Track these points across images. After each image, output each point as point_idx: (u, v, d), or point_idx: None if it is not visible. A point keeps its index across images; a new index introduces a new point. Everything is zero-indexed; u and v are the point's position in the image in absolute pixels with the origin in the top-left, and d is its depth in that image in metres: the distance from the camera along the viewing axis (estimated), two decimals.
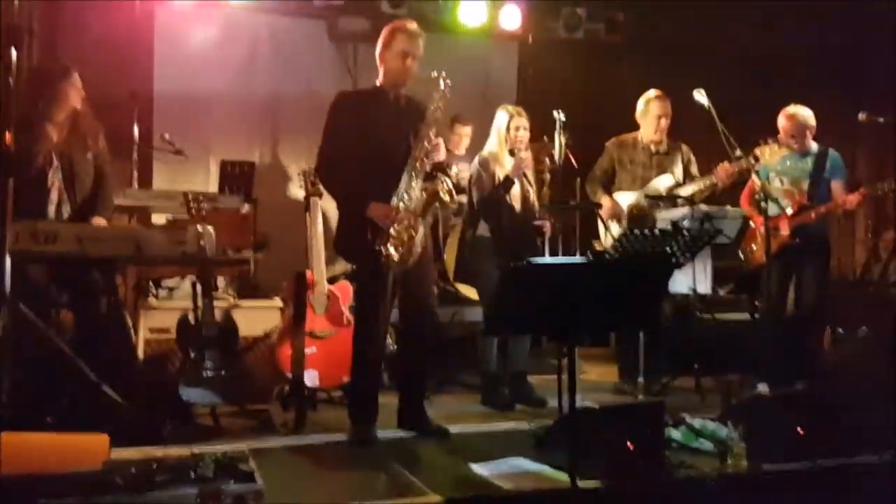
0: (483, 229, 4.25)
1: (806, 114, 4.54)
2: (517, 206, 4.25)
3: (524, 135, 4.25)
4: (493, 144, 4.28)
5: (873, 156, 6.54)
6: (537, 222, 4.29)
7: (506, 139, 4.23)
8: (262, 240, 4.80)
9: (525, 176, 4.30)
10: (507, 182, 4.16)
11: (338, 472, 3.14)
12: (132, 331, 3.78)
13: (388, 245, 3.36)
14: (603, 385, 4.64)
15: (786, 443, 3.12)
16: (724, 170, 4.32)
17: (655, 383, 4.43)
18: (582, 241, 4.79)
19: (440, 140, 3.53)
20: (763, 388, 4.14)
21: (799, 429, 3.18)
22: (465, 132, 5.58)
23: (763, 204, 4.25)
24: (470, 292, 4.80)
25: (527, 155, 4.22)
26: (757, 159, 4.26)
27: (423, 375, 3.69)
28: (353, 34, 6.06)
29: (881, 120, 4.67)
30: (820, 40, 6.47)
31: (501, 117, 4.27)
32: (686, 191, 4.47)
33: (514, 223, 4.23)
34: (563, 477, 2.71)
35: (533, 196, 4.35)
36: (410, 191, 3.42)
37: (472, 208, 4.32)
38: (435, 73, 3.47)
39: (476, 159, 4.34)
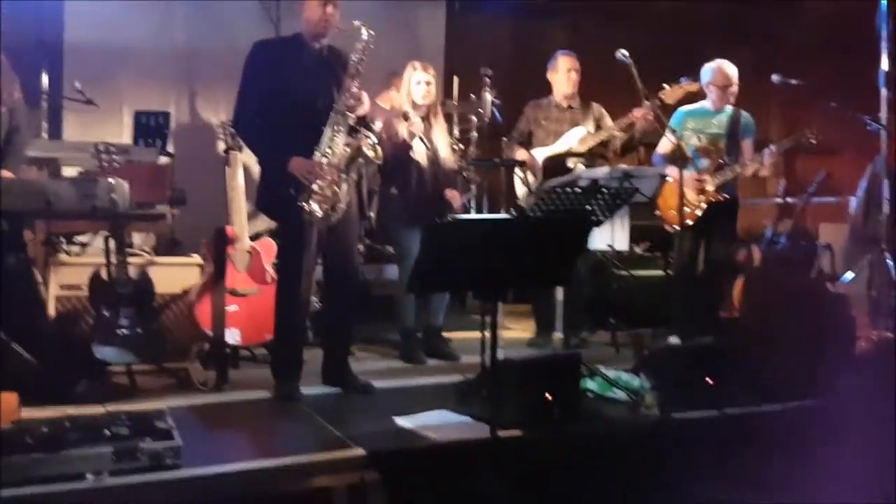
0: (394, 188, 4.25)
1: (732, 70, 4.63)
2: (424, 164, 4.24)
3: (426, 90, 4.22)
4: (405, 102, 4.26)
5: (784, 119, 6.79)
6: (447, 191, 4.29)
7: (408, 94, 4.21)
8: (179, 195, 4.65)
9: (431, 139, 4.27)
10: (404, 146, 4.15)
11: (260, 428, 3.13)
12: (42, 287, 3.64)
13: (312, 201, 3.31)
14: (523, 341, 4.73)
15: (695, 392, 3.28)
16: (639, 112, 4.40)
17: (573, 337, 4.56)
18: (506, 198, 4.85)
19: (364, 93, 3.47)
20: (674, 340, 4.30)
21: (708, 379, 3.34)
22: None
23: (681, 163, 4.35)
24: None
25: (417, 122, 4.19)
26: (662, 101, 4.38)
27: (347, 332, 3.69)
28: None
29: (794, 82, 4.83)
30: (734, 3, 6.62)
31: (406, 72, 4.25)
32: (601, 136, 4.58)
33: (421, 184, 4.23)
34: (484, 428, 2.78)
35: (445, 155, 4.34)
36: (333, 145, 3.37)
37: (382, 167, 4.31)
38: (357, 23, 3.39)
39: (383, 119, 4.32)
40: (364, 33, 3.38)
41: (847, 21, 5.85)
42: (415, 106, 4.22)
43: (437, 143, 4.31)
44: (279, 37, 3.45)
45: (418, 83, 4.20)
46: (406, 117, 4.18)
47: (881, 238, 4.89)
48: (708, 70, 4.65)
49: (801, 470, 3.06)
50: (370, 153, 3.45)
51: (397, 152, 4.17)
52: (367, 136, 3.45)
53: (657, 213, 4.63)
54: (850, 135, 5.35)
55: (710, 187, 4.53)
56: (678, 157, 4.31)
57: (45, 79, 4.86)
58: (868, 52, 4.96)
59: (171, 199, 4.42)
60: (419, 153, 4.22)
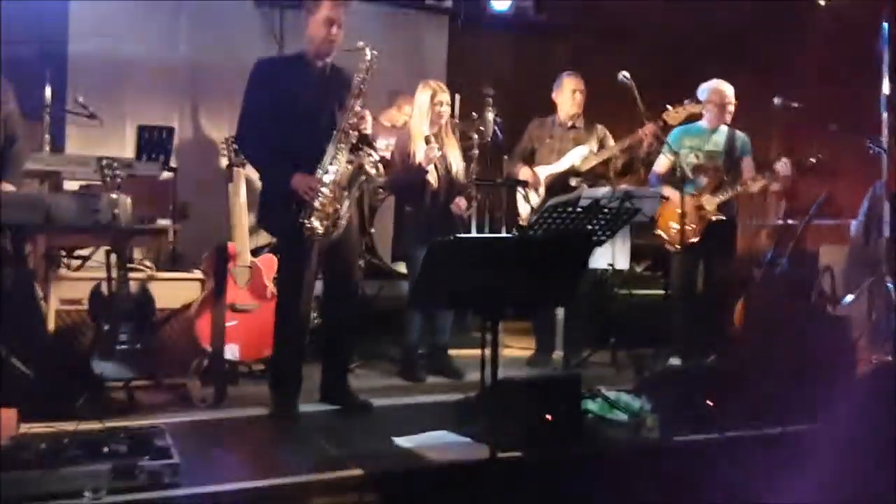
0: (409, 206, 4.27)
1: (729, 89, 4.68)
2: (438, 183, 4.26)
3: (446, 110, 4.27)
4: (414, 121, 4.28)
5: (784, 142, 6.80)
6: (456, 200, 4.30)
7: (427, 115, 4.23)
8: (181, 210, 4.66)
9: (444, 157, 4.30)
10: (420, 171, 4.17)
11: (258, 447, 3.11)
12: (42, 302, 3.63)
13: (313, 218, 3.31)
14: (523, 359, 4.72)
15: (695, 414, 3.27)
16: (648, 129, 4.40)
17: (574, 357, 4.55)
18: (507, 217, 4.85)
19: (367, 112, 3.49)
20: (675, 362, 4.30)
21: (708, 401, 3.33)
22: (404, 110, 5.58)
23: (680, 182, 4.36)
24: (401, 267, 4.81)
25: (435, 149, 4.22)
26: (665, 122, 4.41)
27: (346, 349, 3.69)
28: None
29: (795, 105, 4.85)
30: (735, 23, 6.65)
31: (423, 93, 4.26)
32: (603, 155, 4.60)
33: (436, 202, 4.26)
34: (484, 449, 2.76)
35: (456, 172, 4.36)
36: (336, 163, 3.38)
37: (395, 187, 4.33)
38: (361, 43, 3.41)
39: (397, 138, 4.34)
40: (368, 53, 3.40)
41: (848, 44, 5.88)
42: (433, 125, 4.24)
43: (451, 160, 4.33)
44: (282, 55, 3.45)
45: (440, 104, 4.23)
46: (428, 141, 4.20)
47: (881, 261, 4.88)
48: (705, 89, 4.69)
49: (799, 492, 3.05)
50: (372, 170, 3.46)
51: (412, 173, 4.19)
52: (370, 154, 3.46)
53: (657, 232, 4.63)
54: (852, 158, 5.37)
55: (709, 206, 4.54)
56: (676, 176, 4.32)
57: (48, 92, 4.86)
58: (869, 75, 4.99)
59: (174, 215, 4.43)
60: (433, 172, 4.25)
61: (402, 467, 2.79)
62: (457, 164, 4.37)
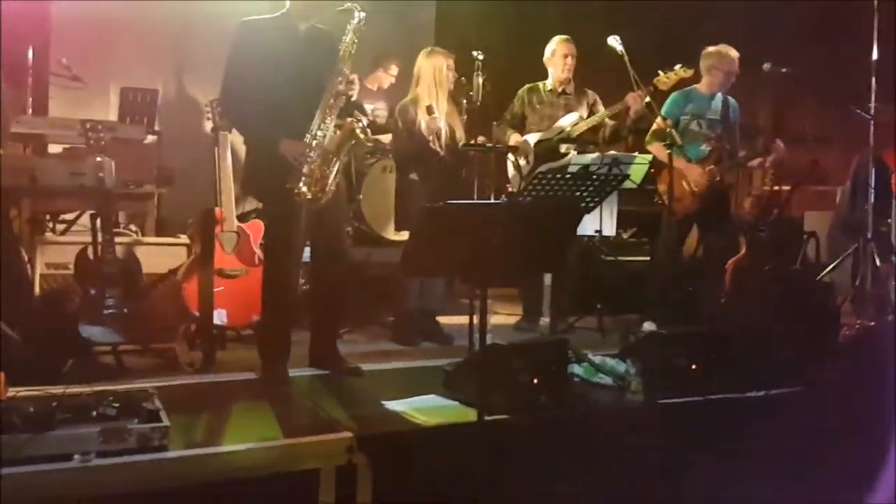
0: (413, 174, 4.24)
1: (736, 55, 4.63)
2: (442, 150, 4.24)
3: (452, 78, 4.25)
4: (421, 89, 4.23)
5: (774, 108, 6.80)
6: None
7: (435, 83, 4.19)
8: (166, 174, 4.62)
9: (448, 125, 4.27)
10: (424, 140, 4.14)
11: (248, 410, 3.12)
12: (28, 265, 3.61)
13: (301, 184, 3.29)
14: (510, 325, 4.75)
15: (679, 378, 3.31)
16: (632, 96, 4.39)
17: (561, 322, 4.58)
18: (496, 183, 4.84)
19: (355, 76, 3.45)
20: (649, 326, 4.33)
21: (693, 365, 3.37)
22: (392, 72, 5.52)
23: (671, 149, 4.36)
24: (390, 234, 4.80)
25: (438, 119, 4.18)
26: (656, 88, 4.40)
27: (334, 314, 3.69)
28: None
29: (785, 70, 4.83)
30: None
31: (431, 60, 4.22)
32: (593, 121, 4.58)
33: (442, 169, 4.23)
34: (471, 412, 2.79)
35: (460, 139, 4.34)
36: (324, 128, 3.34)
37: (398, 154, 4.30)
38: (349, 3, 3.35)
39: (399, 107, 4.29)
40: (356, 16, 3.35)
41: (837, 11, 5.86)
42: (439, 93, 4.20)
43: (454, 125, 4.30)
44: (266, 17, 3.38)
45: (449, 69, 4.19)
46: (431, 111, 4.16)
47: (866, 227, 4.93)
48: (714, 54, 4.62)
49: (783, 456, 3.10)
50: (360, 136, 3.43)
51: (416, 142, 4.16)
52: (358, 119, 3.42)
53: (658, 187, 4.63)
54: (840, 124, 5.38)
55: (712, 177, 4.54)
56: (670, 144, 4.31)
57: (30, 54, 4.77)
58: (858, 42, 4.98)
59: (159, 179, 4.39)
60: (437, 141, 4.22)
61: (391, 429, 2.82)
62: (459, 130, 4.35)
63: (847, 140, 5.46)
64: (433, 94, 4.20)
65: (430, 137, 4.18)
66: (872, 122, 4.82)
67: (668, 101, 4.62)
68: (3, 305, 3.13)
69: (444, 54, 4.24)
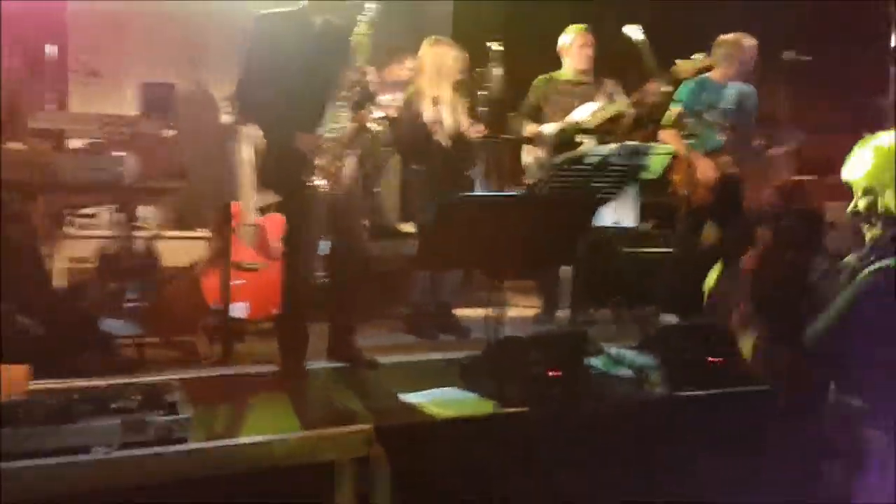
0: (417, 165, 4.23)
1: (752, 42, 4.55)
2: (447, 142, 4.22)
3: (458, 69, 4.21)
4: (424, 80, 4.21)
5: (795, 97, 6.71)
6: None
7: (438, 74, 4.17)
8: (183, 168, 4.63)
9: (453, 113, 4.26)
10: (426, 131, 4.13)
11: (267, 403, 3.14)
12: (47, 259, 3.64)
13: (316, 177, 3.29)
14: (528, 316, 4.73)
15: (696, 371, 3.29)
16: (652, 85, 4.35)
17: (580, 314, 4.56)
18: (513, 174, 4.82)
19: (371, 69, 3.44)
20: (668, 319, 4.30)
21: (709, 358, 3.34)
22: (407, 65, 5.50)
23: (691, 140, 4.32)
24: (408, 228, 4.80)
25: (442, 111, 4.16)
26: (675, 77, 4.35)
27: (352, 307, 3.69)
28: None
29: (805, 59, 4.76)
30: None
31: (435, 51, 4.20)
32: (611, 111, 4.50)
33: (446, 161, 4.21)
34: (489, 404, 2.79)
35: (466, 130, 4.32)
36: (339, 120, 3.34)
37: (402, 146, 4.30)
38: None
39: (404, 97, 4.28)
40: (371, 7, 3.34)
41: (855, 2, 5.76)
42: (444, 84, 4.18)
43: (460, 117, 4.28)
44: (281, 10, 3.37)
45: (456, 59, 4.16)
46: (435, 102, 4.14)
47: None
48: (728, 42, 4.54)
49: (802, 448, 3.07)
50: (375, 128, 3.43)
51: (420, 133, 4.15)
52: (373, 111, 3.42)
53: (671, 190, 4.60)
54: (860, 115, 5.30)
55: (732, 168, 4.49)
56: (687, 134, 4.27)
57: (47, 48, 4.80)
58: (876, 33, 4.90)
59: (178, 173, 4.41)
60: (442, 132, 4.20)
61: (408, 422, 2.82)
62: (465, 122, 4.33)
63: (869, 130, 5.37)
64: (435, 83, 4.18)
65: (433, 128, 4.16)
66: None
67: (681, 88, 4.55)
68: (24, 299, 3.16)
69: (449, 44, 4.21)
